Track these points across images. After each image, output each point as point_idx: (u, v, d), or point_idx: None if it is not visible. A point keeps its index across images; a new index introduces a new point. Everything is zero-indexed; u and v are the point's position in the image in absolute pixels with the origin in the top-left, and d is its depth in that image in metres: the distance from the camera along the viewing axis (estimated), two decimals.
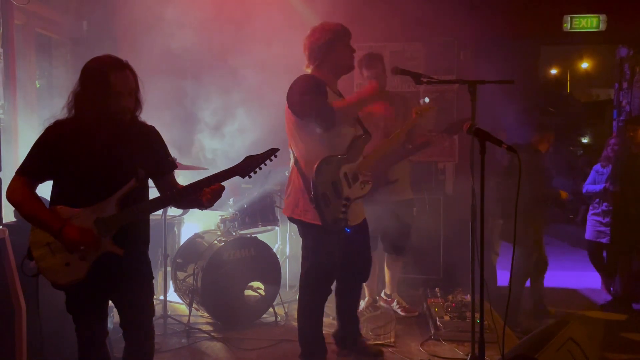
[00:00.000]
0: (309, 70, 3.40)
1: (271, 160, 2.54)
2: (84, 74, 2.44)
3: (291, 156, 3.48)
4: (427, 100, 3.72)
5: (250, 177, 2.53)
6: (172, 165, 2.69)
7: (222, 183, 2.51)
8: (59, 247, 2.38)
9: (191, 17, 5.00)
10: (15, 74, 4.42)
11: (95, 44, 5.07)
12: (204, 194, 2.47)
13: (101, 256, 2.42)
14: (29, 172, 2.42)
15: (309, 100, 3.22)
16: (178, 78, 5.19)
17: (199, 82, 5.28)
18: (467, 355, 3.22)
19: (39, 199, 2.42)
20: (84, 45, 5.28)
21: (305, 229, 3.42)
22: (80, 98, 2.42)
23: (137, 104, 2.51)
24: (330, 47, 3.30)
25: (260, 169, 2.53)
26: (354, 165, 3.38)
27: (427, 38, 5.80)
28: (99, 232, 2.39)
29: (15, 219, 3.40)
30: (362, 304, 4.75)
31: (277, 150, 2.56)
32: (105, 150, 2.43)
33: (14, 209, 3.33)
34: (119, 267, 2.48)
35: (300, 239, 5.17)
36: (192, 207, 2.64)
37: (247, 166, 2.51)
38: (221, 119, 5.28)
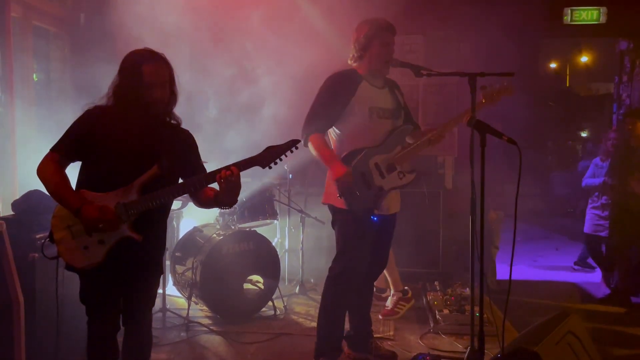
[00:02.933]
0: (350, 62, 3.44)
1: (292, 151, 2.52)
2: (121, 66, 2.51)
3: None
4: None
5: (270, 167, 2.49)
6: (202, 168, 2.68)
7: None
8: (79, 230, 2.41)
9: (191, 8, 4.98)
10: (12, 67, 4.40)
11: (93, 36, 5.04)
12: (217, 181, 2.44)
13: (119, 242, 2.44)
14: (61, 150, 2.47)
15: (310, 109, 3.34)
16: (177, 70, 5.16)
17: (199, 73, 5.26)
18: (466, 348, 3.22)
19: (65, 177, 2.46)
20: (81, 38, 5.25)
21: (335, 213, 3.42)
22: (117, 89, 2.49)
23: (172, 96, 2.56)
24: (368, 42, 3.33)
25: (281, 160, 2.51)
26: (389, 155, 3.36)
27: (427, 31, 5.77)
28: (119, 216, 2.40)
29: (13, 213, 3.39)
30: (390, 301, 4.68)
31: (298, 141, 2.55)
32: (136, 139, 2.47)
33: (12, 201, 3.35)
34: (136, 255, 2.50)
35: (301, 233, 5.25)
36: (212, 206, 2.63)
37: (268, 156, 2.49)
38: (223, 111, 5.27)
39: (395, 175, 3.35)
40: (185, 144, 2.66)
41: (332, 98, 3.30)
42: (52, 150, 2.49)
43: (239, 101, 5.35)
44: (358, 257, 3.38)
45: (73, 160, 2.53)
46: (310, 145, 3.31)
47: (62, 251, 2.43)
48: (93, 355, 2.56)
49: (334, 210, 3.42)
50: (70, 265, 2.46)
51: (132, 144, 2.47)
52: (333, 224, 3.48)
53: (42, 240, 2.49)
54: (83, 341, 2.60)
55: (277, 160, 2.49)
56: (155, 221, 2.59)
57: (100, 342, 2.56)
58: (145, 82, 2.43)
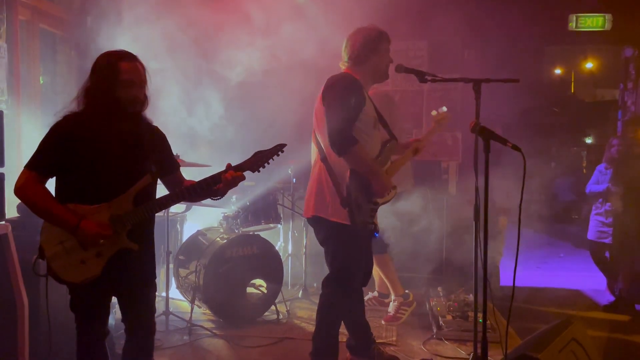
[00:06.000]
0: (343, 67, 3.34)
1: (278, 155, 2.60)
2: (94, 67, 2.45)
3: (314, 152, 3.38)
4: (444, 109, 3.70)
5: (259, 171, 2.58)
6: (177, 164, 2.73)
7: None
8: (72, 246, 2.36)
9: (198, 13, 5.00)
10: (19, 70, 4.43)
11: (99, 40, 5.07)
12: (223, 180, 2.49)
13: (116, 253, 2.42)
14: (40, 167, 2.39)
15: (336, 116, 3.09)
16: (183, 73, 5.19)
17: (205, 77, 5.28)
18: (469, 354, 3.21)
19: (51, 195, 2.39)
20: (87, 41, 5.27)
21: (332, 229, 3.25)
22: (91, 90, 2.42)
23: (145, 98, 2.51)
24: (374, 50, 3.27)
25: (268, 163, 2.59)
26: (383, 169, 3.33)
27: (431, 36, 5.78)
28: (115, 229, 2.39)
29: (18, 215, 3.40)
30: (392, 306, 4.65)
31: (284, 145, 2.61)
32: (118, 146, 2.43)
33: (17, 204, 3.35)
34: (132, 264, 2.49)
35: (304, 238, 5.25)
36: (205, 198, 2.66)
37: (257, 161, 2.56)
38: (226, 114, 5.28)
39: None
40: (164, 144, 2.66)
41: (351, 103, 3.13)
42: (30, 168, 2.38)
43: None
44: (355, 276, 3.34)
45: (52, 176, 2.44)
46: (353, 156, 3.10)
47: (56, 268, 2.36)
48: None
49: (328, 225, 3.24)
50: (68, 281, 2.40)
51: (119, 151, 2.42)
52: (324, 240, 3.34)
53: (33, 259, 2.42)
54: None
55: (265, 164, 2.59)
56: (147, 227, 2.58)
57: (89, 349, 2.57)
58: (123, 79, 2.37)
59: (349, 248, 3.26)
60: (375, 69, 3.32)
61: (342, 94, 3.13)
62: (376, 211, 3.28)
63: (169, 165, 2.66)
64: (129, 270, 2.50)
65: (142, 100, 2.47)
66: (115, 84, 2.38)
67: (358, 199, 3.17)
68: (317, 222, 3.33)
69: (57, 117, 2.44)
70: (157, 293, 2.73)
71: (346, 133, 3.08)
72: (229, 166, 2.53)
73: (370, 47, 3.26)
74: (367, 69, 3.31)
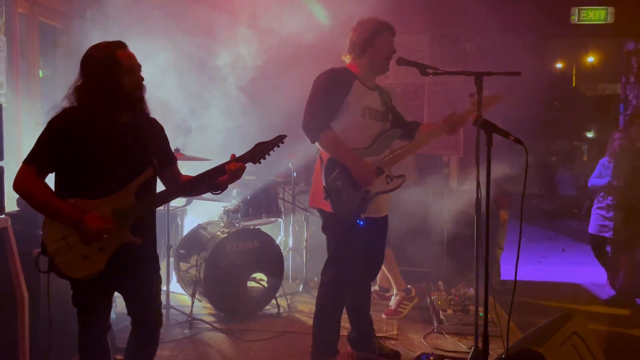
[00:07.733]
0: (346, 60, 3.40)
1: (279, 146, 2.60)
2: (91, 60, 2.39)
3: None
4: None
5: (260, 162, 2.59)
6: (174, 157, 2.72)
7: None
8: (75, 241, 2.33)
9: (197, 4, 4.99)
10: (18, 63, 4.41)
11: (99, 33, 5.05)
12: (227, 171, 2.49)
13: (119, 247, 2.41)
14: (38, 162, 2.35)
15: (311, 104, 3.25)
16: (185, 66, 5.17)
17: (207, 70, 5.26)
18: (470, 348, 3.21)
19: (51, 189, 2.36)
20: (87, 34, 5.25)
21: (325, 218, 3.39)
22: (92, 84, 2.37)
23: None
24: (371, 43, 3.29)
25: (269, 154, 2.60)
26: (377, 158, 3.31)
27: (433, 30, 5.75)
28: (118, 223, 2.37)
29: (18, 208, 3.39)
30: (393, 300, 4.66)
31: (284, 136, 2.61)
32: (119, 140, 2.41)
33: (17, 197, 3.34)
34: (135, 258, 2.48)
35: (305, 232, 5.25)
36: (207, 192, 2.66)
37: (258, 152, 2.56)
38: (227, 108, 5.26)
39: (382, 179, 3.30)
40: (162, 137, 2.65)
41: (330, 94, 3.23)
42: (28, 163, 2.33)
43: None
44: (349, 263, 3.36)
45: (52, 171, 2.40)
46: (324, 141, 3.20)
47: (59, 263, 2.33)
48: (84, 356, 2.57)
49: (323, 214, 3.38)
50: (71, 277, 2.38)
51: (119, 145, 2.40)
52: (323, 228, 3.44)
53: (36, 255, 2.40)
54: None
55: (266, 155, 2.59)
56: (149, 221, 2.57)
57: (91, 343, 2.56)
58: (125, 66, 2.37)
59: (339, 237, 3.33)
60: (372, 61, 3.34)
61: (318, 87, 3.28)
62: (368, 200, 3.25)
63: (166, 158, 2.64)
64: (132, 265, 2.48)
65: (143, 85, 2.46)
66: (119, 72, 2.36)
67: (337, 188, 3.20)
68: (318, 213, 3.46)
69: (56, 111, 2.41)
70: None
71: (318, 120, 3.19)
72: (233, 157, 2.52)
73: (366, 40, 3.29)
74: (365, 61, 3.34)
